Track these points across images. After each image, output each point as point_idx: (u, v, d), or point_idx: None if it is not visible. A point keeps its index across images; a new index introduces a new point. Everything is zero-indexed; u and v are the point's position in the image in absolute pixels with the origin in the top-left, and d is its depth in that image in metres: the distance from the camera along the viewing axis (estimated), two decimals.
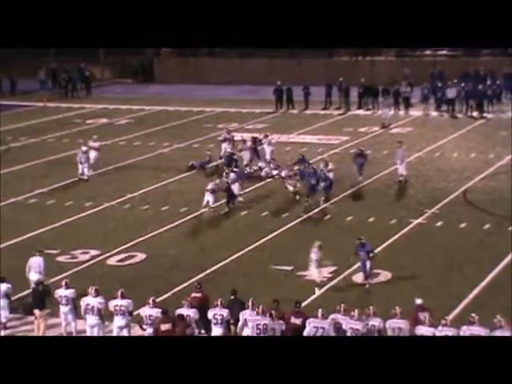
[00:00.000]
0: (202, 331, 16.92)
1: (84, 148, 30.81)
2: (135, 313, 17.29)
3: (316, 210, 26.05)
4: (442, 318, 15.96)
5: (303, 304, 17.86)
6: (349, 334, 15.90)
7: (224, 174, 27.83)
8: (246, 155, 31.27)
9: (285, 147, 34.79)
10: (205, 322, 16.85)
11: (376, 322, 16.07)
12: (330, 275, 21.05)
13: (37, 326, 17.87)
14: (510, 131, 36.52)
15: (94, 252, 22.98)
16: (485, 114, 40.91)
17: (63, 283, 18.04)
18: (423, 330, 15.64)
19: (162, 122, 41.41)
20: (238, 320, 16.56)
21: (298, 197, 27.32)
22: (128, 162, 32.99)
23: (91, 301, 17.18)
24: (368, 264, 20.56)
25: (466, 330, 15.36)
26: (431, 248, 22.88)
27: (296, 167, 28.68)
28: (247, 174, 30.01)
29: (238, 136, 34.16)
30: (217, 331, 16.53)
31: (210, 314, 16.66)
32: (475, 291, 19.81)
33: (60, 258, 22.55)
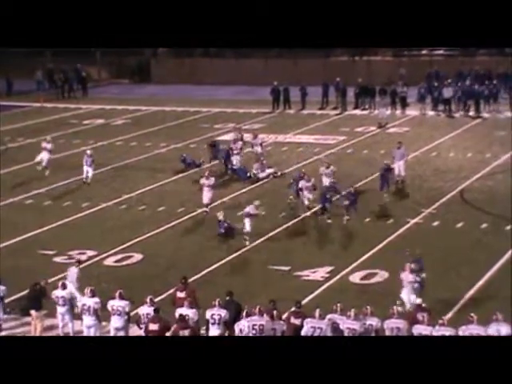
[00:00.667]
0: (202, 331, 16.90)
1: (89, 151, 30.39)
2: (133, 312, 17.28)
3: (313, 210, 26.02)
4: (440, 318, 15.98)
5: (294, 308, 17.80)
6: (346, 333, 15.89)
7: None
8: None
9: (282, 147, 34.78)
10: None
11: (373, 321, 16.07)
12: (327, 275, 21.05)
13: (33, 326, 17.85)
14: (507, 131, 36.61)
15: (90, 253, 22.97)
16: (481, 114, 40.95)
17: (60, 284, 18.03)
18: (420, 329, 15.65)
19: (158, 122, 41.40)
20: (233, 322, 16.53)
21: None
22: (125, 163, 32.98)
23: (87, 301, 17.17)
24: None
25: (464, 330, 15.37)
26: (428, 247, 22.88)
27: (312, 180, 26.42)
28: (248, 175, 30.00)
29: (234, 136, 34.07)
30: (214, 332, 16.50)
31: (208, 314, 16.64)
32: (472, 291, 19.83)
33: (57, 259, 22.53)
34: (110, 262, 22.46)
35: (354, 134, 37.61)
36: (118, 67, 56.23)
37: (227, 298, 17.22)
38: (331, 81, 44.10)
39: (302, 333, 15.97)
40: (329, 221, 24.94)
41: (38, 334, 17.68)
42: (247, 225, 23.49)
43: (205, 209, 26.03)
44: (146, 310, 16.78)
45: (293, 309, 16.85)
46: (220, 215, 24.05)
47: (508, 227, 24.21)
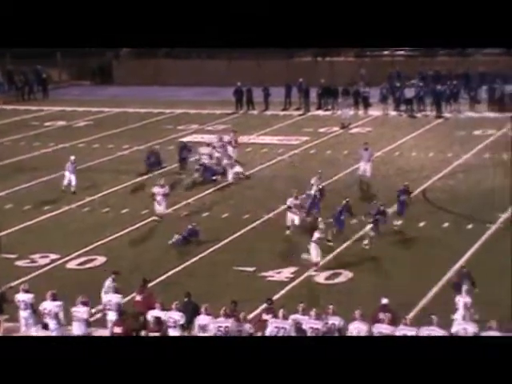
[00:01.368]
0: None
1: (72, 158, 29.26)
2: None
3: (276, 211, 26.02)
4: (402, 317, 16.06)
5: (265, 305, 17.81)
6: (309, 333, 15.92)
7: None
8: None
9: (245, 148, 34.77)
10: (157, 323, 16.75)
11: (336, 320, 16.12)
12: (292, 275, 21.07)
13: None
14: (467, 130, 36.98)
15: (53, 256, 22.75)
16: (443, 114, 41.30)
17: (21, 288, 17.84)
18: (382, 328, 15.72)
19: (121, 123, 41.16)
20: (190, 323, 16.52)
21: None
22: (87, 165, 32.72)
23: (48, 305, 17.01)
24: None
25: (424, 331, 15.46)
26: (391, 247, 23.02)
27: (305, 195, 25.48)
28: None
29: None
30: (174, 334, 16.49)
31: (166, 316, 16.63)
32: (434, 290, 19.96)
33: (19, 263, 22.29)
34: (72, 265, 22.27)
35: (317, 135, 37.71)
36: (78, 68, 55.77)
37: (185, 299, 17.20)
38: (294, 81, 44.20)
39: (267, 333, 15.99)
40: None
41: None
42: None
43: (155, 218, 25.62)
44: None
45: (264, 305, 16.92)
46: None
47: (469, 226, 24.42)
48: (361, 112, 42.42)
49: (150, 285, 19.68)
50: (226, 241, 23.75)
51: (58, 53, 52.95)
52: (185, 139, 35.63)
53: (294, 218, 24.07)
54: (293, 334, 15.94)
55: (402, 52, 51.26)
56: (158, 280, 20.52)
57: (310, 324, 15.98)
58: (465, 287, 17.72)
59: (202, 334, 16.12)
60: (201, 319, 16.32)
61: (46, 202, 27.76)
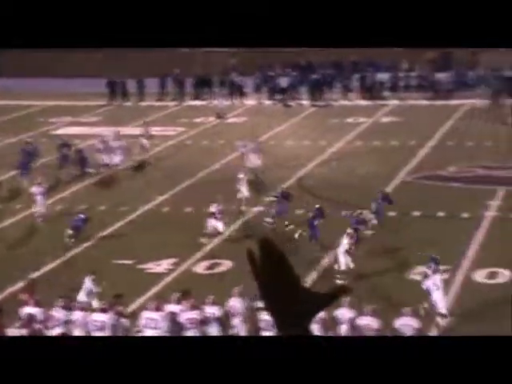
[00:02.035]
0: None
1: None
2: None
3: (155, 202, 25.90)
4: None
5: (145, 296, 17.76)
6: (187, 325, 15.97)
7: None
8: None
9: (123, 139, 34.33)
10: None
11: (215, 310, 16.26)
12: (171, 267, 21.05)
13: None
14: (340, 118, 37.79)
15: None
16: (316, 102, 42.01)
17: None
18: (343, 312, 15.93)
19: None
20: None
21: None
22: None
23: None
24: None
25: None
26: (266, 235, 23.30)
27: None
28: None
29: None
30: (56, 331, 16.27)
31: (41, 313, 16.45)
32: (312, 275, 20.31)
33: None
34: None
35: (193, 125, 37.70)
36: None
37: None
38: (169, 72, 43.98)
39: (141, 325, 15.99)
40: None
41: None
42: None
43: (40, 219, 24.99)
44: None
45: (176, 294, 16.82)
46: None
47: (343, 213, 24.95)
48: (236, 102, 42.66)
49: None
50: (104, 233, 23.47)
51: None
52: (58, 132, 34.95)
53: (217, 225, 22.99)
54: (165, 324, 15.93)
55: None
56: (35, 275, 20.09)
57: (186, 315, 16.06)
58: None
59: (77, 331, 15.95)
60: (76, 315, 16.09)
61: None
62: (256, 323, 16.10)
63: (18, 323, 16.66)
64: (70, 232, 22.67)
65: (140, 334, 15.53)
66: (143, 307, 16.90)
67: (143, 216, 25.16)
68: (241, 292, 16.30)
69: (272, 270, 3.01)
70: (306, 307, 2.96)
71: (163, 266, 21.04)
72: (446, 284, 19.48)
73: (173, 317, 16.09)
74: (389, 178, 28.02)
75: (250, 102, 42.71)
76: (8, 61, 50.90)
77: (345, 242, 20.05)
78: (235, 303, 16.26)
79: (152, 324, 15.83)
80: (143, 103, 43.39)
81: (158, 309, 16.12)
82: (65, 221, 23.56)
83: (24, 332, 15.93)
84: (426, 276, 17.83)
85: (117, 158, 29.93)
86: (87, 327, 15.83)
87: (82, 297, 17.56)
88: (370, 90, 42.56)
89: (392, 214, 23.84)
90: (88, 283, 17.93)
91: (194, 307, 16.19)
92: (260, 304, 16.02)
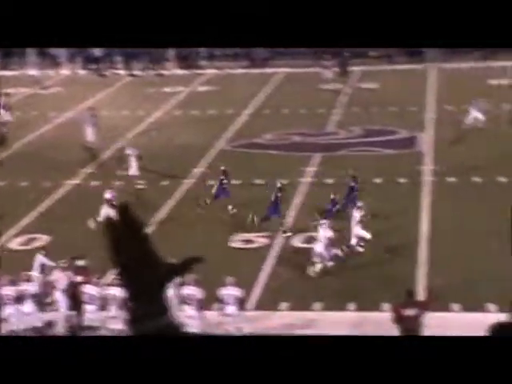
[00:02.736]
0: None
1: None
2: None
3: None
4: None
5: None
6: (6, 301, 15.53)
7: None
8: None
9: None
10: None
11: (29, 286, 15.95)
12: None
13: None
14: (156, 88, 37.49)
15: None
16: (132, 72, 41.43)
17: None
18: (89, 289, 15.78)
19: None
20: None
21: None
22: None
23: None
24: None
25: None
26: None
27: None
28: None
29: None
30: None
31: None
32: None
33: None
34: None
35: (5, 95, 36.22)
36: None
37: None
38: None
39: None
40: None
41: None
42: None
43: None
44: None
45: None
46: None
47: (164, 183, 24.85)
48: (50, 72, 41.37)
49: None
50: None
51: None
52: None
53: (109, 212, 20.47)
54: None
55: None
56: None
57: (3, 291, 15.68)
58: None
59: None
60: None
61: None
62: (79, 297, 15.86)
63: None
64: None
65: None
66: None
67: None
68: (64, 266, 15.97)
69: (130, 235, 3.06)
70: (161, 273, 3.06)
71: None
72: (266, 249, 19.85)
73: None
74: (208, 147, 28.13)
75: (64, 71, 41.53)
76: None
77: (356, 215, 19.90)
78: (58, 276, 15.88)
79: None
80: None
81: None
82: None
83: None
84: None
85: None
86: None
87: None
88: (186, 59, 42.46)
89: (211, 182, 23.92)
90: None
91: (12, 283, 15.75)
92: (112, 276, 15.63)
